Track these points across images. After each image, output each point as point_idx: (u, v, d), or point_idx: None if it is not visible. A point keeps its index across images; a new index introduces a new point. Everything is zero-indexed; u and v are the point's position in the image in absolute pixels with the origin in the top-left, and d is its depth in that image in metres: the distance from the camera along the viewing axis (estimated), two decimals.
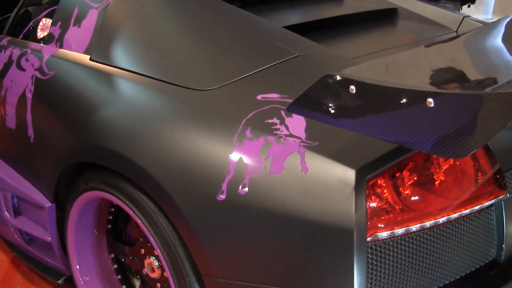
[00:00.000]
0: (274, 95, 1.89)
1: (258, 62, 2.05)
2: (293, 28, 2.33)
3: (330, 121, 1.49)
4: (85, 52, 2.35)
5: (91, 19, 2.35)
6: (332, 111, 1.47)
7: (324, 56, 2.15)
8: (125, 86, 2.14)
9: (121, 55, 2.22)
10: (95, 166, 2.19)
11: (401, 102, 1.32)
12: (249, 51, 2.13)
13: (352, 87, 1.40)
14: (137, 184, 2.01)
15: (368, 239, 1.60)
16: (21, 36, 2.83)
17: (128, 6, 2.31)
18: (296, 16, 2.60)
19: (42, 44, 2.57)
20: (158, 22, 2.26)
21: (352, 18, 2.67)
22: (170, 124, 1.94)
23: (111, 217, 2.39)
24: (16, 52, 2.62)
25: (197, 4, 2.28)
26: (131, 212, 2.02)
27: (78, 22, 2.40)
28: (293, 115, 1.77)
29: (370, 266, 1.62)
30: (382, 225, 1.63)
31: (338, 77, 1.42)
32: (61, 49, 2.45)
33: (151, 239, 1.98)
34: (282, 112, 1.82)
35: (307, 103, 1.51)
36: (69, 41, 2.42)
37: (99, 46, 2.29)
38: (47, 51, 2.49)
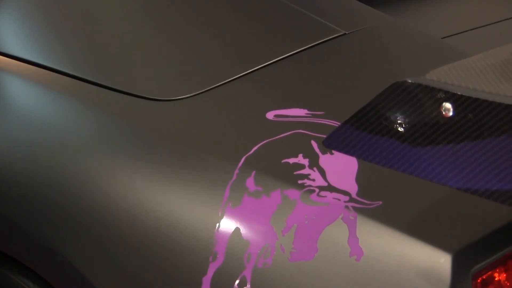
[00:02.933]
0: (299, 111, 1.32)
1: (268, 49, 1.49)
2: None
3: (401, 166, 1.06)
4: None
5: None
6: (407, 149, 1.04)
7: (392, 34, 1.62)
8: (19, 88, 1.48)
9: (16, 32, 1.56)
10: None
11: None
12: (250, 27, 1.57)
13: (448, 105, 0.98)
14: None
15: None
16: None
17: None
18: None
19: None
20: None
21: None
22: (104, 163, 1.29)
23: None
24: None
25: None
26: None
27: None
28: (335, 151, 1.23)
29: None
30: None
31: (423, 85, 0.98)
32: None
33: None
34: (314, 145, 1.25)
35: (360, 134, 1.05)
36: None
37: None
38: None
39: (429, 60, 1.34)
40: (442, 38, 1.66)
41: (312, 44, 1.45)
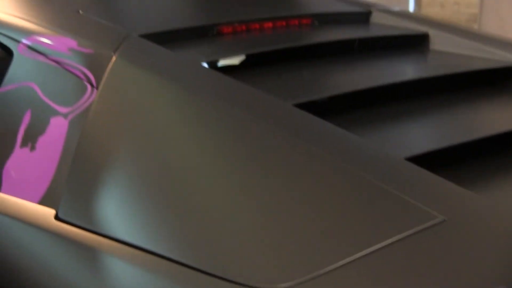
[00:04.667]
0: None
1: (370, 233, 1.22)
2: None
3: None
4: (44, 203, 1.45)
5: (54, 135, 1.51)
6: None
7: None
8: (123, 273, 1.32)
9: (117, 215, 1.39)
10: None
11: None
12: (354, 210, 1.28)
13: None
14: None
15: None
16: None
17: (131, 109, 1.50)
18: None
19: None
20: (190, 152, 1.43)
21: None
22: None
23: None
24: None
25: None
26: None
27: (30, 140, 1.54)
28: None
29: None
30: None
31: None
32: None
33: None
34: None
35: None
36: (12, 177, 1.54)
37: (74, 194, 1.43)
38: None
39: None
40: None
41: (409, 233, 1.20)
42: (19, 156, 1.52)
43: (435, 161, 1.47)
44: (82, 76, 1.52)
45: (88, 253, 1.32)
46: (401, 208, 1.24)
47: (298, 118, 1.46)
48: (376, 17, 2.30)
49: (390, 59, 2.07)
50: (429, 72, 2.07)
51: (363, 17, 2.31)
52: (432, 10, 5.68)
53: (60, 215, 1.38)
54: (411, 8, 6.11)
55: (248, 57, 1.98)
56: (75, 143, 1.44)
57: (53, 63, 1.58)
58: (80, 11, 1.81)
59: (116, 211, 1.36)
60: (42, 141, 1.50)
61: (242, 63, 2.00)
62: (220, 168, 1.35)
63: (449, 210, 1.26)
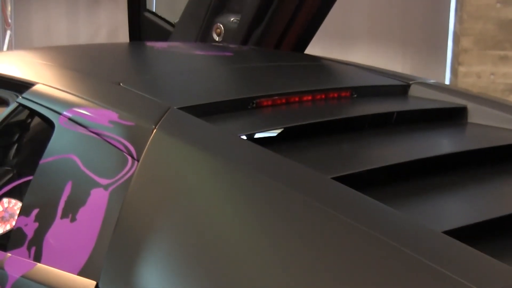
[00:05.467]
0: None
1: None
2: None
3: None
4: (84, 274, 1.44)
5: (95, 207, 1.50)
6: None
7: None
8: None
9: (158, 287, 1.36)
10: None
11: None
12: None
13: None
14: None
15: None
16: None
17: (171, 181, 1.50)
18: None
19: (2, 252, 1.62)
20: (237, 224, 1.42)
21: None
22: None
23: None
24: None
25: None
26: None
27: (70, 211, 1.54)
28: None
29: None
30: None
31: None
32: (39, 264, 1.52)
33: None
34: None
35: None
36: (53, 248, 1.53)
37: (115, 265, 1.41)
38: (14, 266, 1.55)
39: None
40: None
41: None
42: (59, 227, 1.52)
43: (473, 235, 1.46)
44: (123, 148, 1.53)
45: None
46: (441, 283, 1.22)
47: (336, 191, 1.45)
48: (414, 90, 2.29)
49: (428, 132, 2.06)
50: (468, 145, 2.05)
51: (402, 89, 2.31)
52: (469, 81, 5.68)
53: (100, 286, 1.38)
54: (448, 79, 6.12)
55: (287, 129, 1.98)
56: (116, 214, 1.45)
57: (94, 135, 1.59)
58: (121, 84, 1.83)
59: (157, 283, 1.35)
60: (82, 212, 1.51)
61: (281, 136, 2.01)
62: (260, 244, 1.34)
63: (489, 285, 1.24)
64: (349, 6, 6.12)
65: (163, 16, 3.51)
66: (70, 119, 1.65)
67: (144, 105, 1.72)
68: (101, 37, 7.34)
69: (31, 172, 1.67)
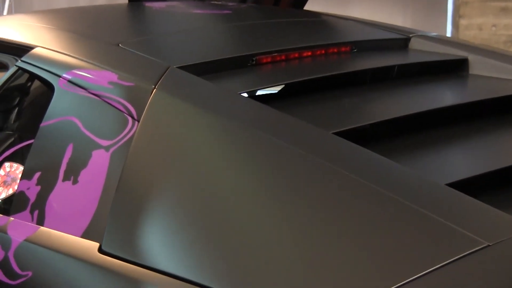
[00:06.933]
0: None
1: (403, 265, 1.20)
2: None
3: None
4: (87, 236, 1.45)
5: (96, 168, 1.50)
6: None
7: None
8: None
9: (161, 247, 1.36)
10: None
11: None
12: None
13: None
14: None
15: None
16: None
17: (172, 141, 1.49)
18: None
19: (5, 216, 1.60)
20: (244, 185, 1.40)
21: None
22: None
23: None
24: None
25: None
26: None
27: (72, 173, 1.54)
28: None
29: None
30: None
31: None
32: (42, 227, 1.52)
33: None
34: None
35: None
36: (55, 211, 1.52)
37: (118, 226, 1.41)
38: (17, 230, 1.55)
39: None
40: None
41: (454, 259, 1.17)
42: (61, 189, 1.52)
43: (476, 186, 1.45)
44: (123, 109, 1.53)
45: (133, 285, 1.31)
46: (444, 234, 1.22)
47: (338, 146, 1.45)
48: (414, 43, 2.28)
49: (429, 85, 2.05)
50: (469, 97, 2.04)
51: (402, 43, 2.30)
52: (470, 33, 5.65)
53: (103, 248, 1.38)
54: (449, 31, 6.08)
55: (287, 86, 1.97)
56: (117, 175, 1.44)
57: (94, 97, 1.59)
58: (120, 45, 1.82)
59: (160, 243, 1.35)
60: (84, 174, 1.51)
61: (281, 92, 2.00)
62: (262, 200, 1.34)
63: (492, 235, 1.23)
64: None
65: None
66: (69, 81, 1.65)
67: (143, 65, 1.72)
68: (101, 0, 7.31)
69: (32, 136, 1.67)
